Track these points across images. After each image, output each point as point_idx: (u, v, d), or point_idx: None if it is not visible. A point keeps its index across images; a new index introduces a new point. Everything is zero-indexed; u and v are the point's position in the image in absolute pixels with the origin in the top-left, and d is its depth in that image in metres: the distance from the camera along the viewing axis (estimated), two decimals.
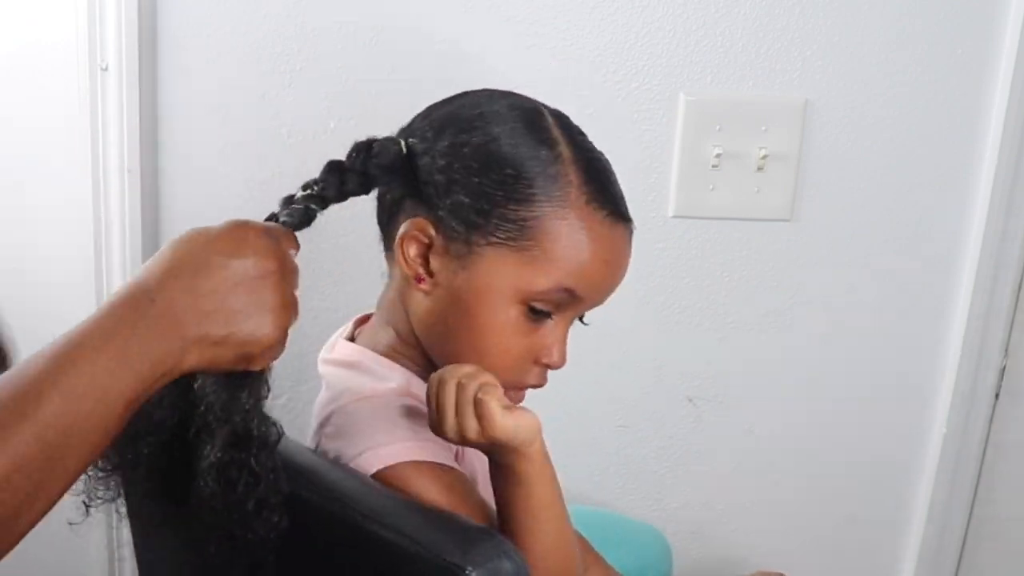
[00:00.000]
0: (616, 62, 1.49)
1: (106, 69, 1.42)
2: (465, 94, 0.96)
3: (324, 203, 0.87)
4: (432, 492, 0.89)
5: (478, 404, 0.84)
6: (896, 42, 1.50)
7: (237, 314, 0.74)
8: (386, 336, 0.99)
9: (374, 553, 0.81)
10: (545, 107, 0.95)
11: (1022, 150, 1.55)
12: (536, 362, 0.94)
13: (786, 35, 1.49)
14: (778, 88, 1.51)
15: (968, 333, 1.63)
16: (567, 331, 0.95)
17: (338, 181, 0.88)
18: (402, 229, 0.92)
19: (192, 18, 1.44)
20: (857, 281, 1.61)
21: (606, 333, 1.59)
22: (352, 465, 0.91)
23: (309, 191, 0.87)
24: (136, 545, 1.10)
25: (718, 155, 1.51)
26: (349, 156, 0.90)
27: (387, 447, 0.90)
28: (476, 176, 0.89)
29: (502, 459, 0.88)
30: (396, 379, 0.96)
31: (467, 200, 0.89)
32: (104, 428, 0.69)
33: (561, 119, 0.95)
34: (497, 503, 0.91)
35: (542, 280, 0.90)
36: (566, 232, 0.89)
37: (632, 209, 1.51)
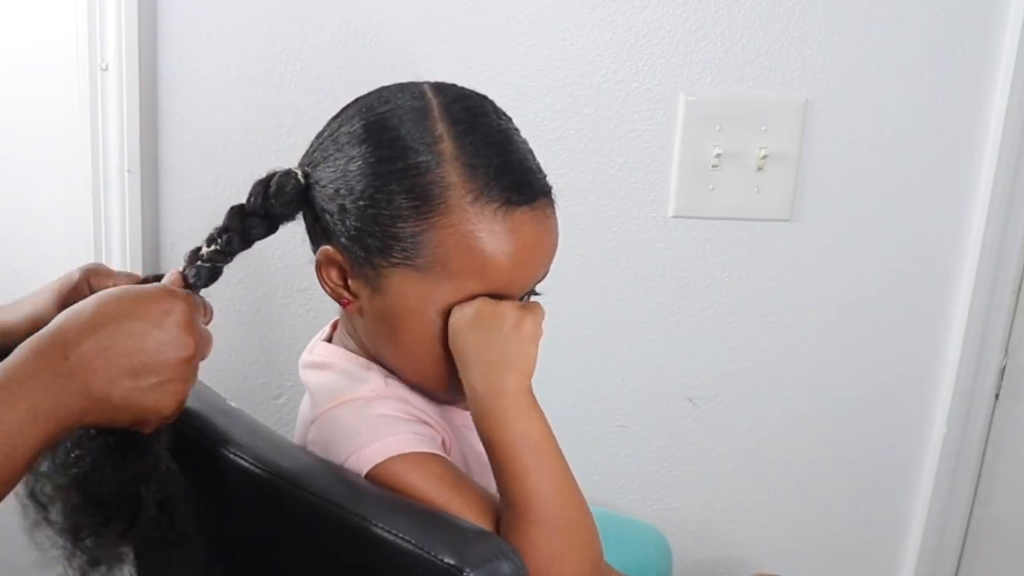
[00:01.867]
0: (616, 62, 1.49)
1: (106, 69, 1.42)
2: (353, 103, 0.94)
3: (230, 256, 0.90)
4: (424, 483, 0.89)
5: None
6: (896, 42, 1.50)
7: (145, 382, 0.76)
8: (349, 341, 1.00)
9: (372, 555, 0.81)
10: (437, 93, 0.92)
11: (1022, 150, 1.54)
12: None
13: (786, 35, 1.48)
14: (778, 88, 1.51)
15: (968, 333, 1.63)
16: None
17: (241, 229, 0.90)
18: (316, 258, 0.93)
19: (192, 18, 1.44)
20: (857, 281, 1.61)
21: (606, 333, 1.59)
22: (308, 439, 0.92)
23: (214, 247, 0.89)
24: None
25: (718, 155, 1.51)
26: (249, 199, 0.91)
27: (372, 446, 0.90)
28: (361, 199, 0.88)
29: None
30: (372, 379, 0.96)
31: (359, 225, 0.88)
32: (8, 479, 0.71)
33: (451, 107, 0.90)
34: (488, 448, 0.91)
35: (451, 295, 0.88)
36: (454, 240, 0.86)
37: (632, 209, 1.54)
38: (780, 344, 1.62)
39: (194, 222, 1.50)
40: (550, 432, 0.90)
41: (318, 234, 0.93)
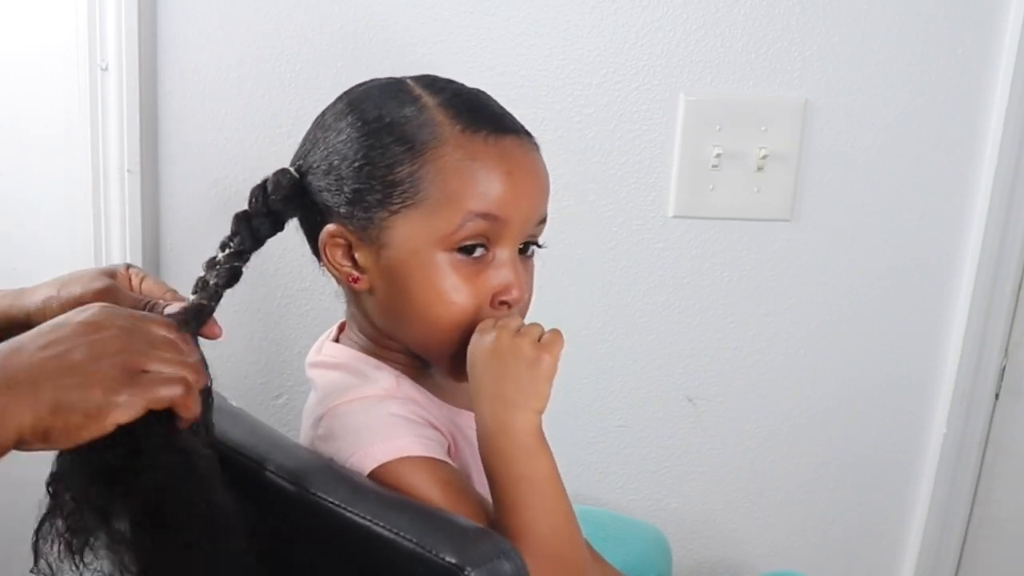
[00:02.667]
0: (616, 62, 1.49)
1: (106, 69, 1.42)
2: (332, 103, 0.99)
3: (245, 256, 0.93)
4: (428, 487, 0.89)
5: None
6: (896, 42, 1.50)
7: (84, 404, 0.74)
8: (360, 338, 1.00)
9: (373, 553, 0.81)
10: (408, 77, 0.98)
11: (1022, 150, 1.55)
12: (495, 304, 0.94)
13: (786, 35, 1.49)
14: (778, 88, 1.51)
15: (968, 333, 1.63)
16: (517, 264, 0.95)
17: (249, 230, 0.93)
18: (320, 241, 0.95)
19: (192, 18, 1.44)
20: (857, 281, 1.61)
21: (606, 333, 1.59)
22: (347, 466, 0.91)
23: (228, 250, 0.92)
24: None
25: (718, 155, 1.51)
26: (250, 202, 0.95)
27: (380, 445, 0.90)
28: (355, 161, 0.91)
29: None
30: (384, 379, 0.96)
31: (357, 185, 0.91)
32: None
33: (424, 79, 0.97)
34: (489, 480, 0.91)
35: (451, 218, 0.90)
36: (451, 165, 0.90)
37: (632, 209, 1.54)
38: (780, 344, 1.62)
39: (194, 222, 1.50)
40: (554, 471, 0.91)
41: (317, 223, 0.95)
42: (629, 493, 1.68)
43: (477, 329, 0.92)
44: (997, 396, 1.68)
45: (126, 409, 0.76)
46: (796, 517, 1.71)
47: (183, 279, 1.50)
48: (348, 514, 0.82)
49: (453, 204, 0.90)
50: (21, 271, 1.52)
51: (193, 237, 1.51)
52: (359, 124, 0.92)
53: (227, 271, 0.91)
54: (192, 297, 0.91)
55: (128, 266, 0.98)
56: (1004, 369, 1.67)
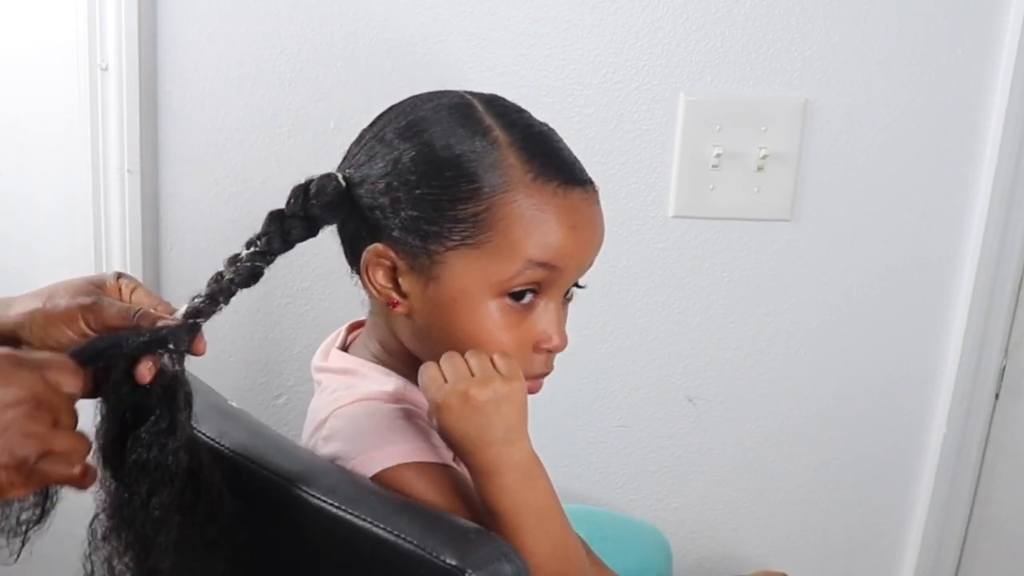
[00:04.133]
0: (616, 62, 1.49)
1: (106, 69, 1.42)
2: (390, 109, 0.95)
3: (270, 258, 0.88)
4: (432, 493, 0.89)
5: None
6: (896, 42, 1.50)
7: None
8: (377, 347, 0.99)
9: (374, 555, 0.81)
10: (474, 96, 0.94)
11: (1022, 150, 1.55)
12: (536, 349, 0.93)
13: (786, 35, 1.49)
14: (778, 88, 1.51)
15: (968, 333, 1.63)
16: (560, 311, 0.94)
17: (281, 232, 0.89)
18: (364, 259, 0.92)
19: (192, 18, 1.44)
20: (857, 281, 1.61)
21: (606, 333, 1.59)
22: (350, 467, 0.90)
23: (253, 248, 0.88)
24: None
25: (718, 155, 1.51)
26: (288, 202, 0.90)
27: (385, 449, 0.90)
28: (417, 188, 0.89)
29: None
30: (392, 383, 0.96)
31: (415, 213, 0.89)
32: None
33: (493, 104, 0.94)
34: (490, 513, 0.90)
35: (509, 265, 0.89)
36: (518, 213, 0.88)
37: (632, 209, 1.54)
38: (780, 344, 1.62)
39: (194, 222, 1.50)
40: (552, 492, 0.91)
41: (362, 236, 0.93)
42: (629, 493, 1.68)
43: (428, 398, 0.89)
44: (997, 396, 1.68)
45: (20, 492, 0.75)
46: (796, 517, 1.72)
47: (183, 279, 1.52)
48: (349, 516, 0.82)
49: (514, 252, 0.89)
50: (21, 271, 1.53)
51: (193, 237, 1.51)
52: (426, 150, 0.89)
53: (247, 270, 0.87)
54: (192, 302, 0.86)
55: (119, 275, 0.94)
56: (1004, 369, 1.67)
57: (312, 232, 0.91)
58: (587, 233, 0.93)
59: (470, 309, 0.90)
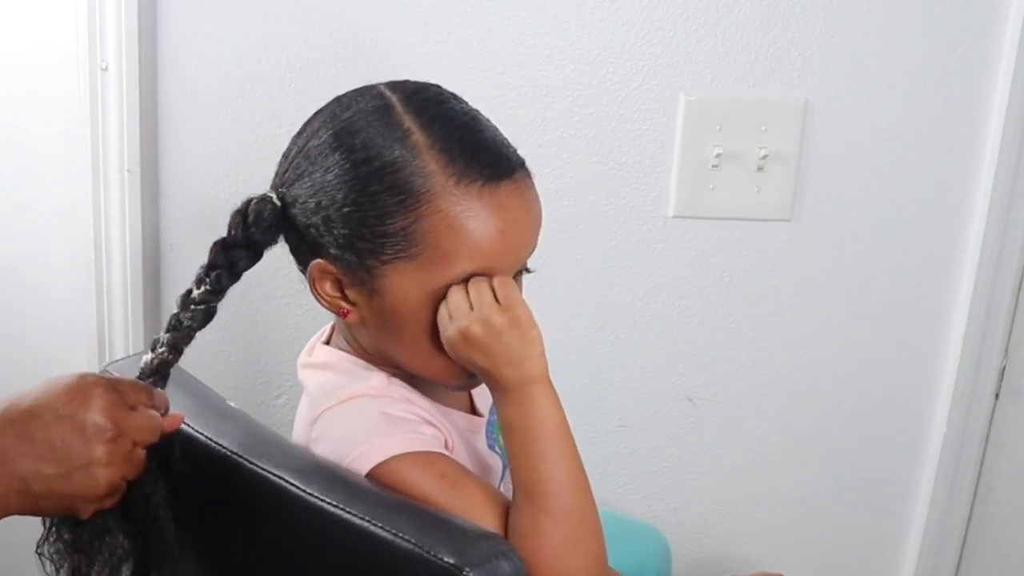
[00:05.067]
0: (616, 62, 1.49)
1: (106, 69, 1.42)
2: (315, 117, 0.95)
3: (221, 294, 0.92)
4: (427, 481, 0.89)
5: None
6: (896, 42, 1.50)
7: (63, 468, 0.77)
8: (351, 347, 1.00)
9: (372, 554, 0.81)
10: (396, 90, 0.93)
11: (1022, 150, 1.54)
12: None
13: (786, 35, 1.48)
14: (778, 88, 1.51)
15: (968, 333, 1.62)
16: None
17: (228, 264, 0.92)
18: (309, 273, 0.94)
19: (192, 18, 1.44)
20: (857, 281, 1.61)
21: (606, 333, 1.59)
22: (344, 466, 0.91)
23: (204, 288, 0.91)
24: None
25: (718, 155, 1.51)
26: (229, 231, 0.92)
27: (375, 443, 0.90)
28: (344, 206, 0.89)
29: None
30: (375, 378, 0.96)
31: (347, 231, 0.89)
32: None
33: (412, 100, 0.92)
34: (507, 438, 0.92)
35: (444, 275, 0.90)
36: (446, 223, 0.88)
37: (632, 209, 1.54)
38: (780, 344, 1.62)
39: (194, 222, 1.50)
40: (567, 422, 0.93)
41: (304, 251, 0.94)
42: (629, 493, 1.68)
43: (440, 328, 0.91)
44: (997, 396, 1.68)
45: None
46: (796, 517, 1.71)
47: (183, 279, 1.50)
48: (346, 515, 0.82)
49: (448, 262, 0.89)
50: (21, 271, 1.53)
51: (193, 237, 1.50)
52: (347, 166, 0.89)
53: (202, 313, 0.91)
54: (157, 353, 0.91)
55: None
56: (1004, 369, 1.67)
57: (256, 258, 0.94)
58: (520, 226, 0.92)
59: (415, 318, 0.91)
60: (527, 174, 0.94)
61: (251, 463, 0.88)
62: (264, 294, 1.52)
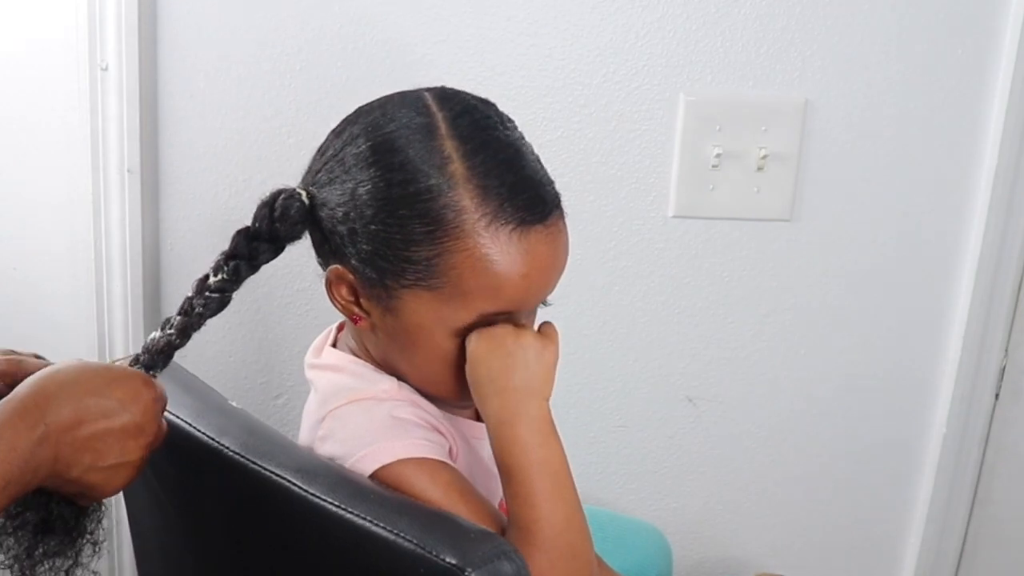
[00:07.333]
0: (616, 62, 1.49)
1: (106, 69, 1.42)
2: (357, 117, 0.93)
3: (238, 284, 0.91)
4: (430, 488, 0.89)
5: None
6: (896, 42, 1.50)
7: (103, 462, 0.79)
8: (360, 350, 0.99)
9: (373, 554, 0.81)
10: (443, 106, 0.90)
11: (1022, 150, 1.55)
12: None
13: (786, 35, 1.49)
14: (778, 88, 1.51)
15: (968, 333, 1.63)
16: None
17: (248, 255, 0.90)
18: (326, 275, 0.93)
19: (192, 18, 1.44)
20: (857, 281, 1.61)
21: (606, 333, 1.59)
22: (348, 466, 0.90)
23: (222, 276, 0.89)
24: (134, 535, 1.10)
25: (718, 155, 1.51)
26: (254, 222, 0.90)
27: (382, 445, 0.90)
28: (372, 224, 0.87)
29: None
30: (385, 382, 0.96)
31: (370, 248, 0.88)
32: None
33: (459, 122, 0.89)
34: (503, 473, 0.91)
35: (463, 315, 0.89)
36: (470, 264, 0.86)
37: (632, 209, 1.54)
38: (780, 344, 1.62)
39: (194, 222, 1.50)
40: (566, 460, 0.91)
41: (326, 252, 0.93)
42: (629, 493, 1.68)
43: (473, 332, 0.90)
44: (997, 396, 1.68)
45: None
46: (796, 517, 1.71)
47: (183, 279, 1.51)
48: (348, 515, 0.82)
49: (467, 302, 0.88)
50: (21, 271, 1.53)
51: (193, 237, 1.50)
52: (381, 184, 0.87)
53: (216, 301, 0.90)
54: (164, 333, 0.90)
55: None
56: (1004, 369, 1.67)
57: (278, 252, 0.92)
58: (545, 272, 0.91)
59: (427, 344, 0.91)
60: (560, 215, 0.92)
61: (253, 463, 0.88)
62: (264, 294, 1.52)
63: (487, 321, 0.90)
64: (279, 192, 0.91)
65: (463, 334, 0.90)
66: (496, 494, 0.96)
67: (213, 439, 0.92)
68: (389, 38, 1.45)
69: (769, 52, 1.49)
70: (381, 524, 0.80)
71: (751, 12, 1.47)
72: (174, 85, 1.46)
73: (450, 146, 0.87)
